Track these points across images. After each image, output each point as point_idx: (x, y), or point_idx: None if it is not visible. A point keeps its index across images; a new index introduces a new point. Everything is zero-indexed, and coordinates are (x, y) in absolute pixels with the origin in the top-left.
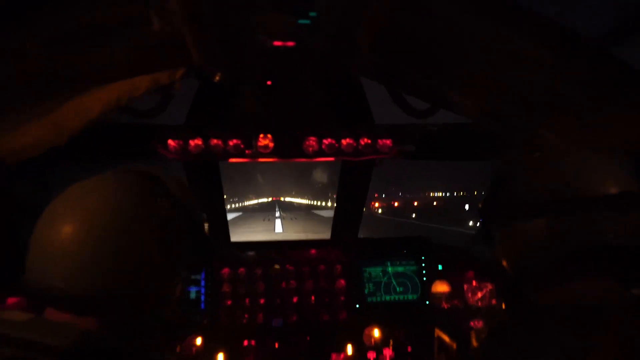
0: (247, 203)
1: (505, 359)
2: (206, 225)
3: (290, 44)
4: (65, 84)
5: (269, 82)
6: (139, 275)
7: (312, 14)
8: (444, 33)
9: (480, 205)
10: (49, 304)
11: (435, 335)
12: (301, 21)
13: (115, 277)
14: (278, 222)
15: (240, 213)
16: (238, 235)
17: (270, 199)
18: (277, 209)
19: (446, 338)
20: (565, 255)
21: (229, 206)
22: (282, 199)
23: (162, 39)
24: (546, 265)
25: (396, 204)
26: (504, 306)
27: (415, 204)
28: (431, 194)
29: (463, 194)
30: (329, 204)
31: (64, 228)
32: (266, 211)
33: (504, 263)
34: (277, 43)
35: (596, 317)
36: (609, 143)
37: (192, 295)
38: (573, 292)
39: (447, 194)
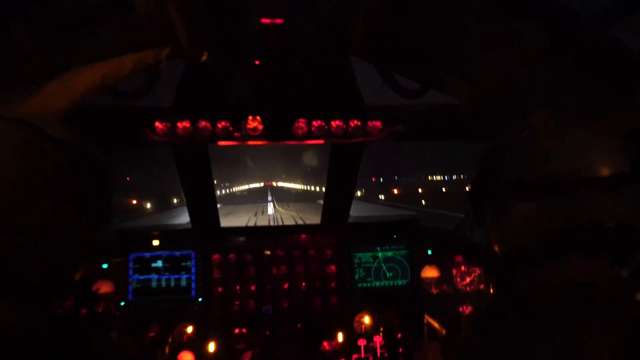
0: (236, 188)
1: (496, 343)
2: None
3: (279, 21)
4: (48, 65)
5: (256, 62)
6: (32, 236)
7: None
8: (441, 16)
9: (468, 188)
10: None
11: (425, 321)
12: None
13: (4, 240)
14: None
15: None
16: None
17: (262, 184)
18: (269, 195)
19: (436, 324)
20: (556, 235)
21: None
22: (274, 184)
23: (147, 17)
24: (537, 246)
25: (395, 191)
26: (492, 291)
27: (420, 190)
28: (429, 178)
29: (463, 177)
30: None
31: None
32: (255, 201)
33: (494, 245)
34: (265, 20)
35: (589, 296)
36: (604, 126)
37: (183, 282)
38: (564, 272)
39: (446, 178)
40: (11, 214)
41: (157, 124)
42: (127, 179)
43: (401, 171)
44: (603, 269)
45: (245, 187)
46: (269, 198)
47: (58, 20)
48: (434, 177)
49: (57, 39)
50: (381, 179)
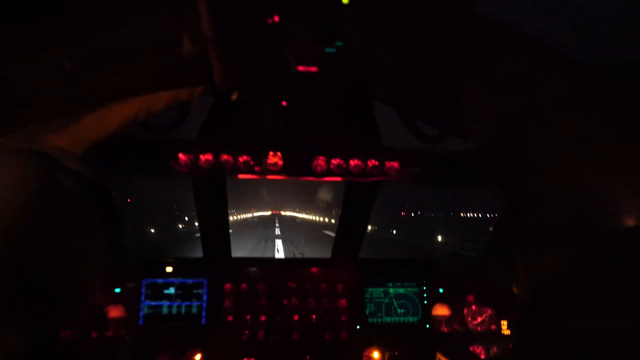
0: (241, 216)
1: None
2: (117, 201)
3: (314, 69)
4: (88, 97)
5: (284, 103)
6: (47, 259)
7: (339, 43)
8: (462, 63)
9: (491, 230)
10: None
11: (437, 359)
12: (327, 49)
13: (20, 267)
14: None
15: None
16: None
17: (270, 213)
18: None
19: None
20: (590, 287)
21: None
22: (282, 213)
23: (187, 57)
24: (566, 294)
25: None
26: (504, 332)
27: None
28: (461, 215)
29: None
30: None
31: None
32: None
33: (520, 291)
34: (300, 68)
35: (625, 349)
36: (636, 175)
37: (194, 309)
38: (600, 324)
39: (480, 215)
40: (26, 242)
41: (181, 155)
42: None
43: (429, 207)
44: (633, 325)
45: (249, 215)
46: (277, 232)
47: (103, 55)
48: (467, 213)
49: (99, 73)
50: (412, 214)
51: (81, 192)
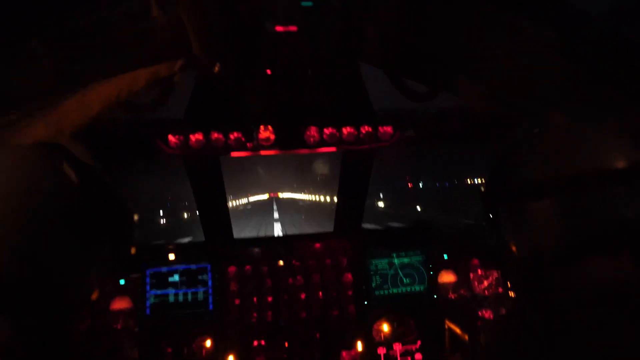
0: (236, 202)
1: (523, 348)
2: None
3: (292, 28)
4: (67, 80)
5: (268, 72)
6: (46, 256)
7: None
8: (451, 18)
9: (482, 189)
10: None
11: (446, 327)
12: (304, 3)
13: (20, 261)
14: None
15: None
16: None
17: (266, 196)
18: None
19: (457, 329)
20: (578, 234)
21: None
22: (279, 195)
23: (161, 28)
24: (560, 247)
25: None
26: (511, 294)
27: None
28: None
29: None
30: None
31: None
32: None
33: (513, 247)
34: (279, 28)
35: (621, 296)
36: (616, 124)
37: (200, 296)
38: (592, 272)
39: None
40: (31, 235)
41: (170, 136)
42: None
43: (437, 174)
44: (632, 265)
45: (245, 200)
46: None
47: (74, 33)
48: (475, 180)
49: (73, 53)
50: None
51: (86, 187)
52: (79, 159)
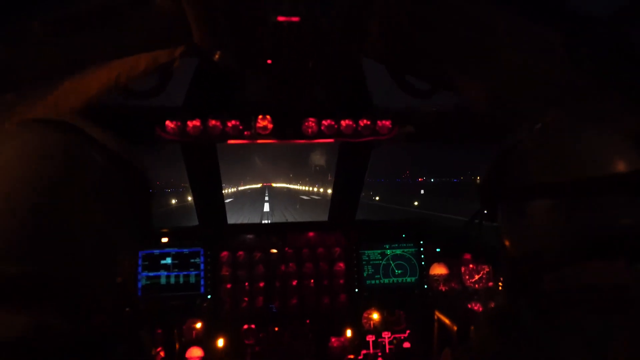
0: (228, 190)
1: (513, 344)
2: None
3: (295, 19)
4: (66, 63)
5: (269, 61)
6: (75, 245)
7: None
8: (454, 16)
9: (479, 185)
10: None
11: (435, 317)
12: None
13: (49, 250)
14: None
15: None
16: None
17: (260, 185)
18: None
19: (447, 320)
20: (575, 237)
21: None
22: (273, 185)
23: (163, 15)
24: (556, 248)
25: None
26: (501, 288)
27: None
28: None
29: None
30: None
31: None
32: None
33: (508, 246)
34: (280, 18)
35: (613, 299)
36: (617, 126)
37: (192, 279)
38: (586, 275)
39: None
40: (57, 219)
41: (168, 122)
42: None
43: (438, 170)
44: (626, 271)
45: (237, 188)
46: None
47: (75, 17)
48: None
49: (74, 37)
50: (431, 179)
51: (108, 164)
52: (105, 138)
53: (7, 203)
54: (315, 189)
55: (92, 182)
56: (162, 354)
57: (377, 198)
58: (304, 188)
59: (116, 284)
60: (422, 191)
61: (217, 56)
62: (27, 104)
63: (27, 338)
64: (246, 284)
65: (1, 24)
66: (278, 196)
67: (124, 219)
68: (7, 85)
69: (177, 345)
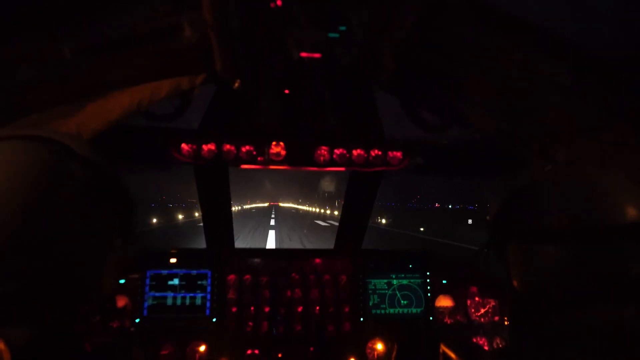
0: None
1: None
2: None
3: (317, 55)
4: (89, 85)
5: (286, 91)
6: (60, 252)
7: (342, 27)
8: (464, 51)
9: (489, 220)
10: None
11: (440, 350)
12: (331, 34)
13: (34, 259)
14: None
15: None
16: None
17: (267, 204)
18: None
19: (452, 354)
20: (586, 280)
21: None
22: (280, 204)
23: (189, 45)
24: (564, 290)
25: None
26: (507, 323)
27: None
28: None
29: None
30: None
31: None
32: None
33: (516, 284)
34: (303, 54)
35: (619, 344)
36: (633, 169)
37: (198, 301)
38: (594, 319)
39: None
40: (38, 229)
41: (184, 145)
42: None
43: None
44: (635, 319)
45: (246, 206)
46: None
47: (105, 44)
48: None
49: (101, 61)
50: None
51: (91, 179)
52: (88, 157)
53: None
54: (329, 212)
55: (72, 192)
56: None
57: (384, 221)
58: (316, 210)
59: (101, 290)
60: (470, 221)
61: (236, 84)
62: (50, 124)
63: (25, 351)
64: (252, 308)
65: (31, 43)
66: (287, 218)
67: (105, 227)
68: (32, 104)
69: None
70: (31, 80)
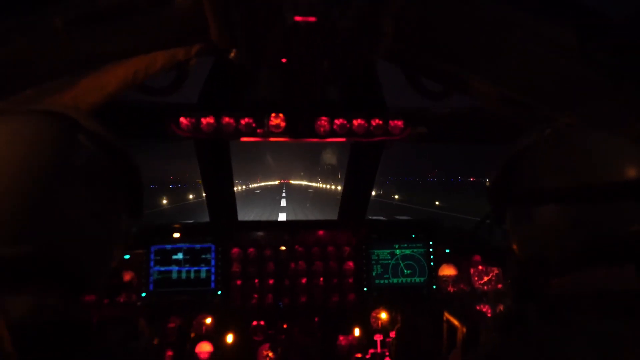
0: (252, 185)
1: (522, 348)
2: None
3: (312, 19)
4: (85, 60)
5: (283, 60)
6: (69, 229)
7: None
8: (468, 17)
9: (488, 187)
10: None
11: (444, 318)
12: None
13: (44, 233)
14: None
15: None
16: None
17: (277, 182)
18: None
19: (456, 322)
20: (583, 243)
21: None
22: (291, 182)
23: (182, 13)
24: (563, 254)
25: None
26: (510, 291)
27: None
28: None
29: None
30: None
31: None
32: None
33: (516, 249)
34: (298, 18)
35: (622, 305)
36: (631, 131)
37: (203, 274)
38: (595, 279)
39: None
40: (48, 204)
41: (182, 119)
42: None
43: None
44: (635, 279)
45: (260, 184)
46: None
47: (95, 13)
48: None
49: (93, 32)
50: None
51: (101, 155)
52: (96, 131)
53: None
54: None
55: (80, 166)
56: (169, 352)
57: (397, 197)
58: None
59: (110, 267)
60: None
61: (232, 54)
62: (46, 99)
63: (28, 319)
64: (256, 280)
65: (22, 15)
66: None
67: (115, 203)
68: (27, 80)
69: (187, 339)
70: (24, 53)
